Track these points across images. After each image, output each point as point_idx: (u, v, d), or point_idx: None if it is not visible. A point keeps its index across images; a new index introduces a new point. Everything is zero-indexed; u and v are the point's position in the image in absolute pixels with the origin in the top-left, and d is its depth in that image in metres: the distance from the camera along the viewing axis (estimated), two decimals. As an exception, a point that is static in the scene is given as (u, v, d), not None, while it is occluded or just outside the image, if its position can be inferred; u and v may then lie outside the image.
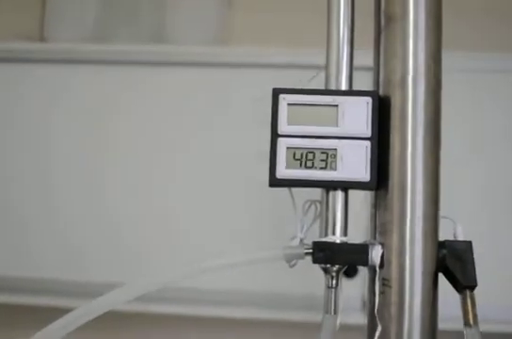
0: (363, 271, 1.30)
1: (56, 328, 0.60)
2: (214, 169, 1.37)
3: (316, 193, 0.65)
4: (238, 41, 1.52)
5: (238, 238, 1.34)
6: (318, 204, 0.62)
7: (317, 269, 1.27)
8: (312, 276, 1.31)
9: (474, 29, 1.36)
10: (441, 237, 0.59)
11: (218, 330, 1.48)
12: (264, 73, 1.32)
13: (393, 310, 0.56)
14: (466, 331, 0.55)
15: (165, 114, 1.40)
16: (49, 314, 1.52)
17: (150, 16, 1.55)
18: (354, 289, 1.27)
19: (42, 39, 1.59)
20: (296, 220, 0.63)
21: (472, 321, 0.55)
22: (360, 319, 1.19)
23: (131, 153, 1.41)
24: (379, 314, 0.57)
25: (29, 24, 1.61)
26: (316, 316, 1.29)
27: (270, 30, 1.50)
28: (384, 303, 0.57)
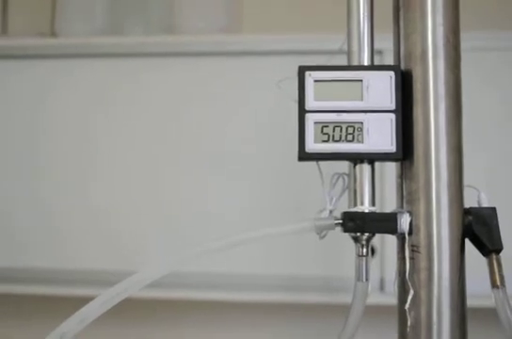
0: (380, 253, 1.33)
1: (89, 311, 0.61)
2: (225, 151, 1.38)
3: (338, 168, 0.67)
4: (248, 30, 1.54)
5: (251, 217, 1.35)
6: (346, 177, 0.64)
7: (333, 251, 1.29)
8: (329, 258, 1.34)
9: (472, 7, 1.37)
10: (466, 206, 0.61)
11: (233, 315, 1.49)
12: (279, 60, 1.33)
13: (423, 275, 0.59)
14: (493, 293, 0.58)
15: (179, 104, 1.41)
16: (38, 303, 1.55)
17: (158, 7, 1.57)
18: (372, 270, 1.28)
19: (53, 34, 1.61)
20: (323, 193, 0.65)
21: (499, 282, 0.57)
22: (379, 299, 1.22)
23: (133, 142, 1.42)
24: (410, 279, 0.59)
25: (40, 19, 1.63)
26: (333, 298, 1.31)
27: (279, 17, 1.52)
28: (414, 269, 0.59)
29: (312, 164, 0.65)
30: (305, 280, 1.35)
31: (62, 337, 0.59)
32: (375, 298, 1.18)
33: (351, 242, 0.65)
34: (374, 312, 0.96)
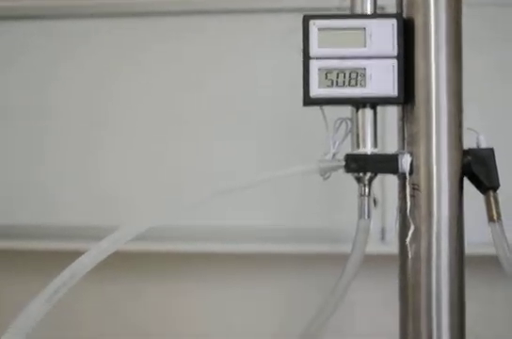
0: (381, 204, 1.36)
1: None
2: (228, 107, 1.40)
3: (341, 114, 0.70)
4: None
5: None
6: (349, 122, 0.67)
7: (339, 203, 1.32)
8: (331, 210, 1.37)
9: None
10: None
11: (240, 267, 1.52)
12: (283, 18, 1.34)
13: (423, 211, 0.63)
14: (491, 226, 0.62)
15: (182, 63, 1.42)
16: (23, 259, 1.56)
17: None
18: (373, 220, 1.31)
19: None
20: (327, 138, 0.68)
21: (495, 217, 0.61)
22: (380, 249, 1.25)
23: (138, 102, 1.43)
24: (411, 215, 0.63)
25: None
26: (334, 248, 1.35)
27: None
28: (414, 206, 0.63)
29: (315, 119, 0.67)
30: (305, 230, 1.38)
31: (56, 291, 0.60)
32: (376, 248, 1.22)
33: (354, 194, 0.69)
34: (374, 261, 0.99)
